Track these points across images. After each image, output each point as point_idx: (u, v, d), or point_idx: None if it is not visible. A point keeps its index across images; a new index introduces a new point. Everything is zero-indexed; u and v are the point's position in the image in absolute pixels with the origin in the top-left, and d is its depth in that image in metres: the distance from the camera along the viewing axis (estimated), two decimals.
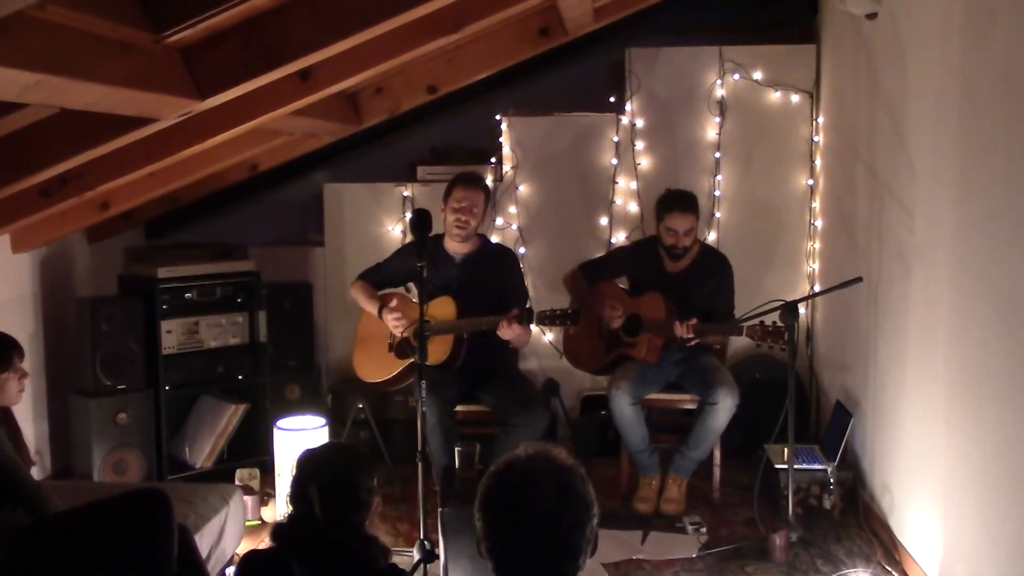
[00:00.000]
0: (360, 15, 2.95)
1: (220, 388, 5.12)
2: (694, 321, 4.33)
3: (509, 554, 1.81)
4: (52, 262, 4.92)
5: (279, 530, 2.35)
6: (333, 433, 5.05)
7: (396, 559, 3.95)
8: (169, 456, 4.94)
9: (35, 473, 4.55)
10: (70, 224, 4.58)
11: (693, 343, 4.41)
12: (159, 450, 4.83)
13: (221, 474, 4.75)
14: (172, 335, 4.86)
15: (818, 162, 5.44)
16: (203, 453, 4.99)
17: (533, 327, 5.42)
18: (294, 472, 2.38)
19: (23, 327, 4.62)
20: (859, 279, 4.11)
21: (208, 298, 4.99)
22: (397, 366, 4.43)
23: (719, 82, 5.47)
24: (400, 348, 4.47)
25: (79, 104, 2.60)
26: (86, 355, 4.63)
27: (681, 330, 4.32)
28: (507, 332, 4.19)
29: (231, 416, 5.02)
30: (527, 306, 4.31)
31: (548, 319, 4.19)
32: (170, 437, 4.99)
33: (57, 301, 4.90)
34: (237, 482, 4.49)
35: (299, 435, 4.36)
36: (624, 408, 4.45)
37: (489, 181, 5.54)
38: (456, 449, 3.80)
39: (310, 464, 2.36)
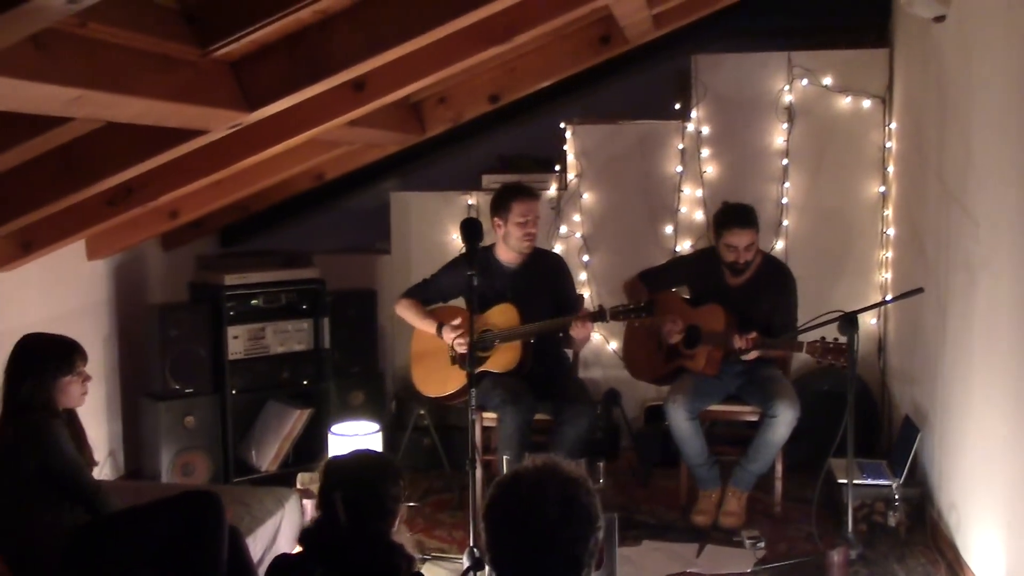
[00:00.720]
0: (402, 27, 2.98)
1: (285, 393, 5.22)
2: (753, 334, 4.25)
3: (512, 564, 1.80)
4: (126, 269, 5.09)
5: (306, 535, 2.38)
6: (393, 439, 5.11)
7: (449, 566, 4.01)
8: (236, 459, 5.05)
9: (108, 473, 4.74)
10: (142, 232, 4.73)
11: (752, 357, 4.33)
12: (226, 453, 4.95)
13: (286, 478, 4.82)
14: (238, 341, 4.97)
15: (891, 169, 5.30)
16: (269, 457, 5.09)
17: (597, 335, 5.50)
18: (320, 479, 2.42)
19: (97, 332, 4.79)
20: (920, 289, 3.98)
21: (274, 304, 5.10)
22: (461, 379, 4.42)
23: (787, 88, 5.37)
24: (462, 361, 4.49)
25: (123, 117, 2.69)
26: (156, 360, 4.78)
27: (740, 342, 4.25)
28: (580, 330, 4.21)
29: (296, 421, 5.11)
30: (593, 307, 4.31)
31: (622, 313, 4.18)
32: (237, 440, 5.11)
33: (130, 307, 5.07)
34: (299, 485, 4.57)
35: (353, 440, 4.42)
36: (680, 422, 4.39)
37: (553, 189, 5.55)
38: (504, 458, 3.80)
39: (335, 471, 2.39)
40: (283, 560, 2.45)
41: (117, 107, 2.55)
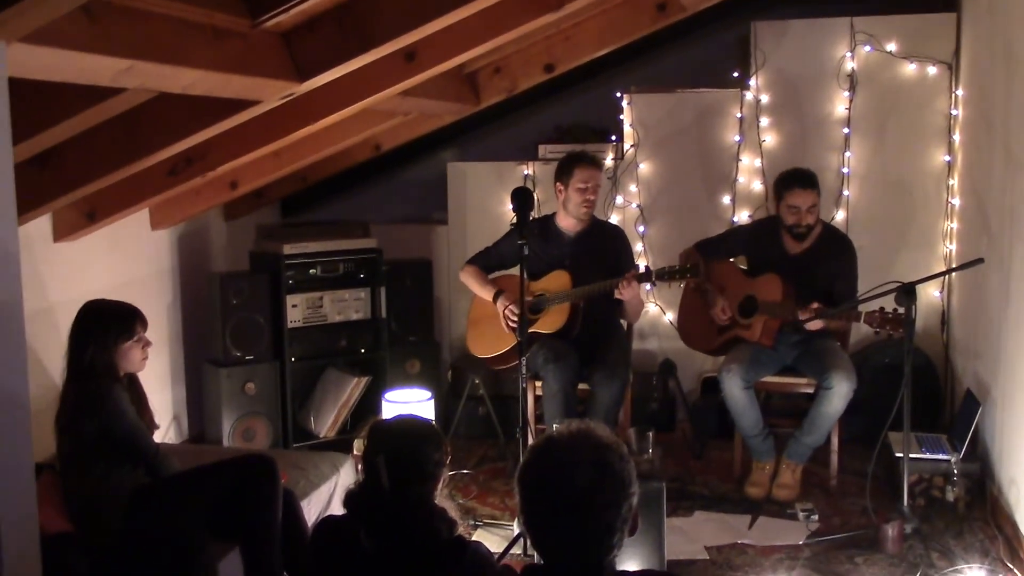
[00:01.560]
0: None
1: (343, 361, 5.29)
2: (816, 305, 4.19)
3: (544, 529, 1.82)
4: (189, 238, 5.19)
5: (350, 498, 2.42)
6: (448, 408, 5.16)
7: (500, 532, 4.06)
8: (295, 425, 5.15)
9: (172, 437, 4.87)
10: (203, 202, 4.82)
11: (816, 327, 4.26)
12: (285, 419, 5.05)
13: (343, 444, 4.92)
14: (297, 309, 5.05)
15: (956, 137, 5.15)
16: (327, 423, 5.17)
17: (653, 306, 5.47)
18: (365, 442, 2.45)
19: (161, 299, 4.91)
20: (980, 260, 3.88)
21: (331, 274, 5.16)
22: (510, 340, 4.46)
23: (850, 54, 5.24)
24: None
25: (175, 88, 2.74)
26: (217, 327, 4.87)
27: (805, 314, 4.20)
28: (626, 292, 4.20)
29: (353, 388, 5.18)
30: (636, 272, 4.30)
31: (668, 274, 4.18)
32: (296, 407, 5.20)
33: (194, 275, 5.18)
34: (355, 451, 4.65)
35: (406, 407, 4.47)
36: (735, 391, 4.36)
37: (610, 159, 5.51)
38: (554, 425, 3.80)
39: (378, 435, 2.42)
40: (329, 522, 2.50)
41: (167, 78, 2.59)
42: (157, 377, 4.77)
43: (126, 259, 4.65)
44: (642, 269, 4.49)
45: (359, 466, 4.40)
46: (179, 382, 5.10)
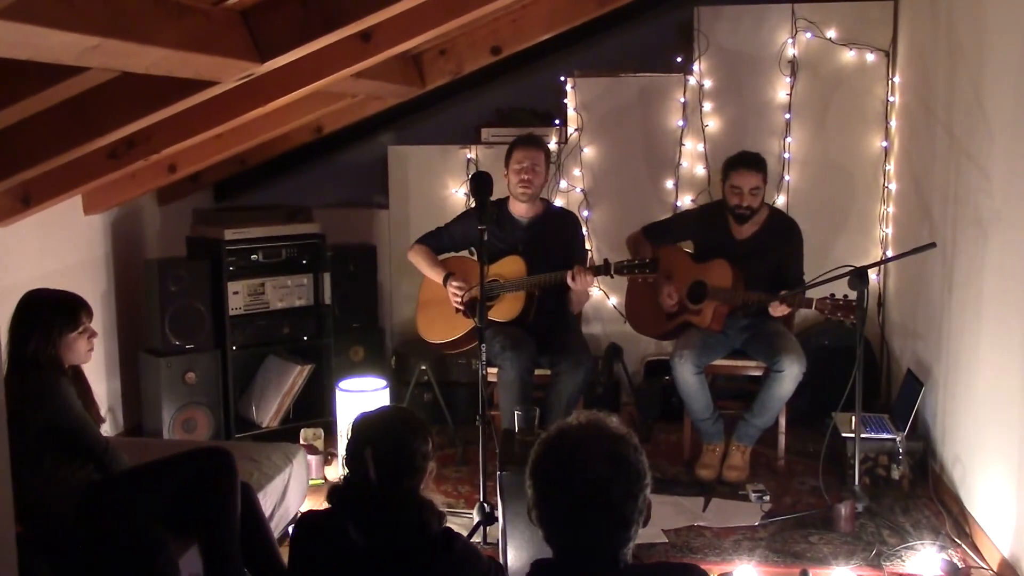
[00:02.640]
0: None
1: (286, 349, 5.19)
2: (783, 292, 4.24)
3: (559, 523, 1.79)
4: (123, 223, 5.01)
5: (335, 492, 2.36)
6: (395, 395, 5.09)
7: (456, 520, 4.02)
8: (236, 415, 5.03)
9: (107, 430, 4.69)
10: (139, 186, 4.65)
11: (783, 313, 4.31)
12: (226, 409, 4.92)
13: (286, 433, 4.83)
14: (238, 296, 4.92)
15: (893, 123, 5.27)
16: (269, 412, 5.06)
17: (597, 291, 5.49)
18: (349, 435, 2.39)
19: (95, 287, 4.73)
20: (932, 244, 3.98)
21: (273, 260, 5.04)
22: (465, 326, 4.42)
23: (791, 41, 5.31)
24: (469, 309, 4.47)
25: (139, 67, 2.62)
26: (155, 315, 4.72)
27: (780, 310, 4.24)
28: (579, 282, 4.18)
29: (296, 376, 5.08)
30: (594, 263, 4.30)
31: (627, 268, 4.17)
32: (237, 396, 5.08)
33: (128, 262, 5.00)
34: (301, 441, 4.56)
35: (360, 396, 4.40)
36: (687, 376, 4.40)
37: (553, 143, 5.49)
38: (515, 412, 3.78)
39: (365, 428, 2.37)
40: (312, 517, 2.43)
41: (132, 56, 2.47)
42: (90, 368, 4.55)
43: (58, 246, 4.46)
44: (596, 260, 4.49)
45: (317, 458, 4.33)
46: (114, 373, 4.92)
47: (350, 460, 2.34)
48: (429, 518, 2.29)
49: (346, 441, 2.40)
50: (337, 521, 2.30)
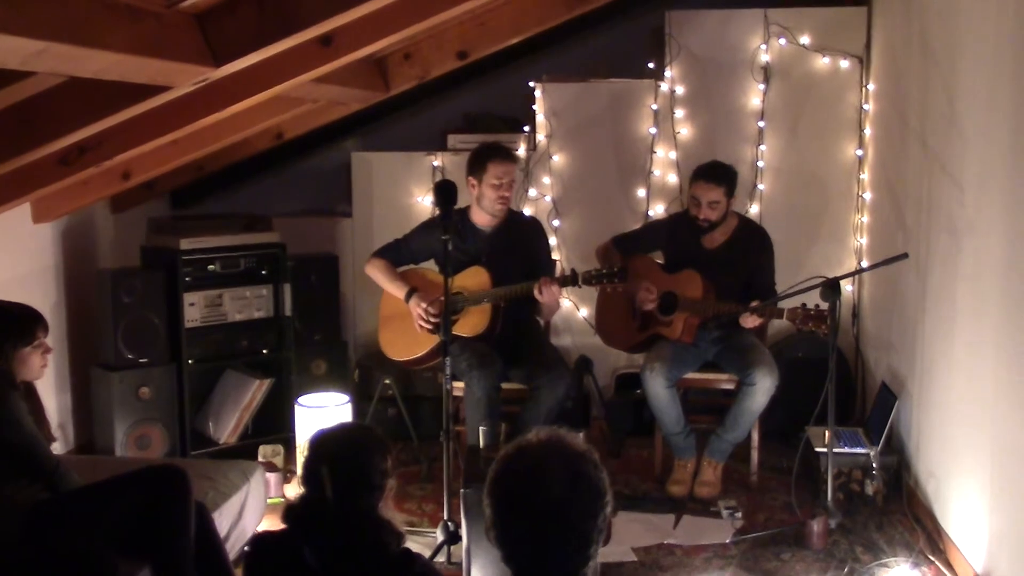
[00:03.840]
0: None
1: (244, 362, 5.16)
2: (755, 303, 4.28)
3: (517, 543, 1.80)
4: (75, 232, 4.97)
5: (290, 512, 2.36)
6: (359, 410, 5.08)
7: (420, 540, 4.02)
8: (193, 431, 4.99)
9: (58, 447, 4.64)
10: (92, 193, 4.62)
11: (755, 325, 4.35)
12: (182, 425, 4.89)
13: (245, 450, 4.80)
14: (195, 308, 4.89)
15: (868, 131, 5.34)
16: (227, 429, 5.04)
17: (567, 302, 5.51)
18: (306, 452, 2.39)
19: (45, 299, 4.69)
20: (905, 255, 4.04)
21: (232, 270, 5.02)
22: (430, 341, 4.41)
23: (764, 47, 5.37)
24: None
25: (87, 72, 2.61)
26: (108, 328, 4.69)
27: (751, 321, 4.28)
28: (548, 295, 4.19)
29: (255, 391, 5.06)
30: (566, 271, 4.31)
31: (595, 278, 4.18)
32: (194, 412, 5.05)
33: (80, 272, 4.96)
34: (260, 459, 4.55)
35: (321, 412, 4.39)
36: (658, 390, 4.42)
37: (522, 150, 5.52)
38: (480, 428, 3.80)
39: (321, 445, 2.37)
40: (265, 538, 2.43)
41: (81, 61, 2.47)
42: (40, 383, 4.53)
43: (5, 255, 4.42)
44: (565, 270, 4.50)
45: (276, 476, 4.32)
46: (64, 388, 4.88)
47: (306, 478, 2.34)
48: (388, 538, 2.30)
49: (303, 458, 2.39)
50: (292, 542, 2.30)
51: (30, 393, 3.29)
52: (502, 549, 1.82)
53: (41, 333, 3.22)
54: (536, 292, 4.21)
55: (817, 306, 4.09)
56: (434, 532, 3.98)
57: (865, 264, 5.32)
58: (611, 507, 1.83)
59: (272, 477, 4.40)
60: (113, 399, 4.67)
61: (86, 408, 4.89)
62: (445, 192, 3.78)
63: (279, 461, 4.59)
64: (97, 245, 5.24)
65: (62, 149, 3.59)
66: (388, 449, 2.40)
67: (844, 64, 5.34)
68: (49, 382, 4.69)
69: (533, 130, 5.59)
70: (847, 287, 5.43)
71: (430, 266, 4.61)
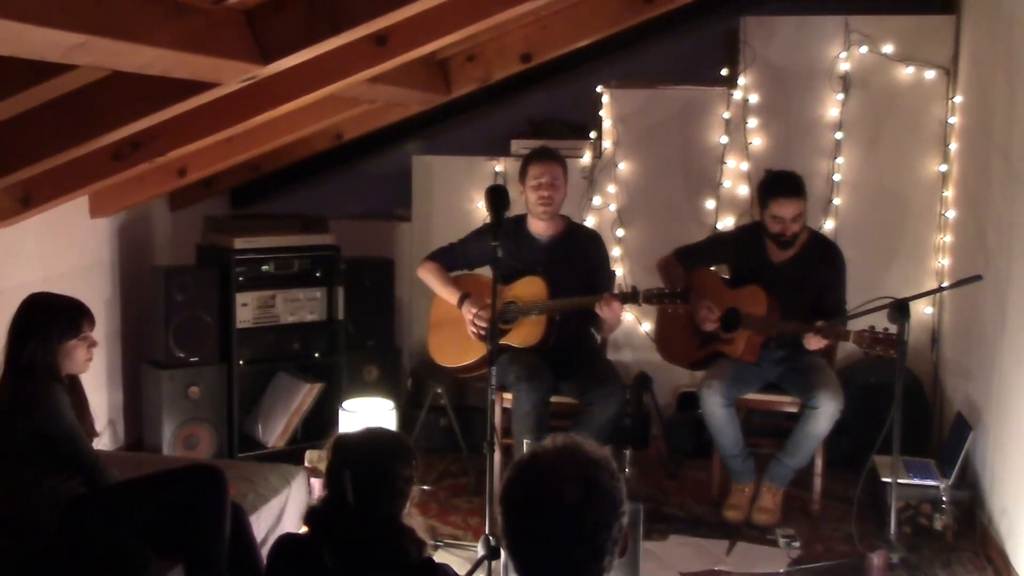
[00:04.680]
0: None
1: (295, 366, 5.26)
2: (820, 323, 4.22)
3: (529, 552, 1.80)
4: (131, 228, 5.13)
5: (312, 514, 2.41)
6: (408, 418, 5.14)
7: (461, 554, 4.05)
8: (241, 433, 5.11)
9: (107, 444, 4.81)
10: (148, 189, 4.77)
11: (818, 347, 4.29)
12: (231, 426, 5.00)
13: (293, 454, 4.88)
14: (247, 308, 5.01)
15: (953, 146, 5.24)
16: (276, 432, 5.14)
17: (629, 316, 5.50)
18: (328, 456, 2.44)
19: (99, 293, 4.85)
20: (978, 277, 3.95)
21: (285, 271, 5.12)
22: (480, 350, 4.45)
23: (843, 55, 5.31)
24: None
25: (130, 67, 2.70)
26: (160, 326, 4.82)
27: (814, 343, 4.22)
28: (608, 311, 4.20)
29: (306, 395, 5.15)
30: (626, 287, 4.31)
31: (656, 297, 4.18)
32: (243, 414, 5.16)
33: (135, 268, 5.12)
34: (306, 463, 4.62)
35: (364, 417, 4.45)
36: (715, 409, 4.39)
37: (587, 157, 5.53)
38: (525, 442, 3.81)
39: (344, 449, 2.41)
40: (288, 541, 2.48)
41: (123, 55, 2.56)
42: (91, 379, 4.67)
43: (62, 249, 4.58)
44: (619, 278, 4.50)
45: (311, 480, 4.38)
46: (115, 385, 5.04)
47: (329, 482, 2.39)
48: (409, 546, 2.33)
49: (325, 462, 2.45)
50: (314, 545, 2.34)
51: (74, 387, 3.40)
52: (513, 558, 1.83)
53: (87, 326, 3.32)
54: (597, 308, 4.21)
55: (886, 329, 4.01)
56: (475, 546, 4.00)
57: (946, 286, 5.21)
58: (627, 517, 1.83)
59: (316, 482, 4.46)
60: (162, 397, 4.79)
61: (137, 405, 5.04)
62: (496, 196, 3.81)
63: (324, 466, 4.65)
64: (154, 242, 5.40)
65: (115, 143, 3.71)
66: (412, 455, 2.44)
67: (929, 75, 5.25)
68: (101, 378, 4.85)
69: (599, 137, 5.61)
70: (925, 309, 5.32)
71: (485, 272, 4.65)
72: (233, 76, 3.14)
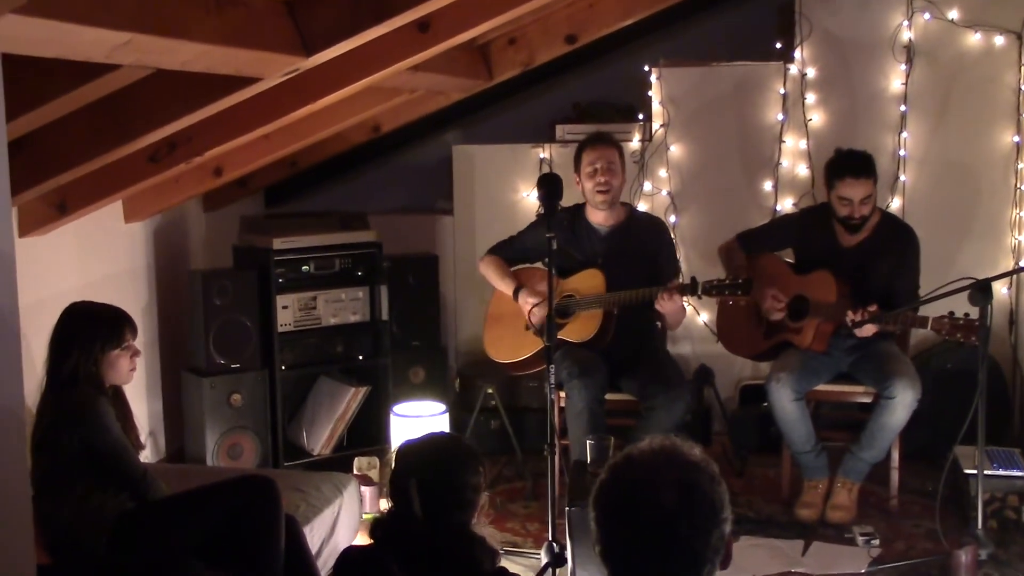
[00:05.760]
0: None
1: (339, 369, 5.29)
2: (873, 307, 4.18)
3: (623, 559, 1.80)
4: (167, 232, 5.17)
5: (378, 526, 2.42)
6: (458, 421, 5.15)
7: (523, 562, 4.05)
8: (286, 441, 5.13)
9: (148, 455, 4.85)
10: (183, 191, 4.80)
11: (868, 332, 4.25)
12: (275, 434, 5.02)
13: (340, 462, 4.90)
14: (288, 311, 5.02)
15: None
16: (321, 439, 5.16)
17: (687, 307, 5.47)
18: (393, 465, 2.44)
19: (136, 300, 4.89)
20: None
21: (326, 271, 5.14)
22: (536, 345, 4.45)
23: (907, 23, 5.24)
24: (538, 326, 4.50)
25: (174, 64, 2.72)
26: (199, 331, 4.85)
27: (855, 315, 4.19)
28: (667, 304, 4.19)
29: (351, 400, 5.17)
30: (684, 278, 4.30)
31: (716, 289, 4.14)
32: (287, 421, 5.19)
33: (172, 273, 5.16)
34: (355, 471, 4.64)
35: (418, 422, 4.46)
36: (785, 403, 4.36)
37: (636, 141, 5.51)
38: (588, 442, 3.80)
39: (409, 457, 2.42)
40: (353, 553, 2.49)
41: (166, 53, 2.58)
42: (131, 388, 4.71)
43: (97, 255, 4.63)
44: (684, 276, 4.47)
45: (361, 488, 4.40)
46: (155, 394, 5.08)
47: (394, 492, 2.39)
48: (481, 556, 2.33)
49: (390, 471, 2.45)
50: (381, 558, 2.35)
51: (118, 398, 3.44)
52: (607, 565, 1.82)
53: (130, 335, 3.36)
54: (659, 303, 4.19)
55: (966, 314, 3.96)
56: (538, 553, 4.00)
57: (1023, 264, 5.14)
58: (729, 525, 1.82)
59: (367, 491, 4.48)
60: (204, 406, 4.82)
61: (177, 415, 5.08)
62: (549, 185, 3.80)
63: (375, 474, 4.68)
64: (189, 245, 5.44)
65: (151, 145, 3.74)
66: (480, 462, 2.44)
67: (999, 41, 5.17)
68: (140, 387, 4.89)
69: (649, 119, 5.58)
70: (1002, 290, 5.25)
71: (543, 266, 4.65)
72: (276, 70, 3.15)
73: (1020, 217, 5.24)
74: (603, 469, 1.86)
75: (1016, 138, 5.22)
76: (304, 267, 5.08)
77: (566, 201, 3.98)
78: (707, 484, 1.79)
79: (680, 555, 1.76)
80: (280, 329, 5.01)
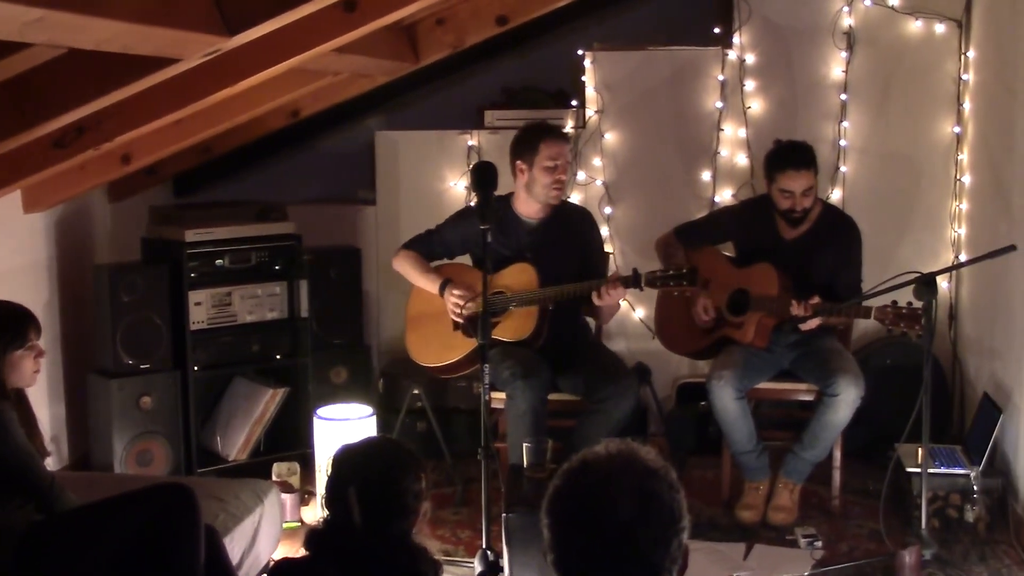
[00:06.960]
0: None
1: (256, 369, 5.23)
2: (815, 299, 4.27)
3: (578, 569, 1.81)
4: (69, 223, 5.06)
5: (314, 537, 2.40)
6: (383, 424, 5.12)
7: (455, 571, 4.05)
8: (199, 446, 5.07)
9: (52, 463, 4.74)
10: (89, 180, 4.71)
11: (812, 326, 4.33)
12: (187, 439, 4.96)
13: (257, 468, 4.87)
14: (201, 308, 4.95)
15: (967, 106, 5.30)
16: (237, 444, 5.10)
17: (622, 302, 5.51)
18: (330, 472, 2.43)
19: (37, 296, 4.77)
20: (1012, 247, 3.99)
21: (242, 265, 5.07)
22: (467, 346, 4.42)
23: (847, 9, 5.35)
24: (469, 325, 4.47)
25: (89, 43, 2.66)
26: (105, 330, 4.76)
27: (799, 309, 4.26)
28: (607, 298, 4.20)
29: (268, 402, 5.12)
30: (621, 270, 4.31)
31: (660, 280, 4.16)
32: (200, 425, 5.12)
33: (75, 267, 5.06)
34: (274, 477, 4.61)
35: (343, 425, 4.44)
36: (727, 402, 4.41)
37: (569, 128, 5.53)
38: (524, 445, 3.82)
39: (347, 463, 2.40)
40: (287, 565, 2.47)
41: (82, 31, 2.51)
42: (32, 391, 4.63)
43: None
44: (621, 268, 4.49)
45: (292, 497, 4.37)
46: (57, 397, 4.97)
47: (331, 500, 2.38)
48: (424, 568, 2.33)
49: (326, 478, 2.43)
50: (317, 570, 2.33)
51: (21, 402, 3.37)
52: (560, 575, 1.83)
53: (33, 335, 3.29)
54: (595, 296, 4.20)
55: (910, 303, 4.05)
56: (471, 562, 4.01)
57: (964, 258, 5.28)
58: (687, 533, 1.84)
59: (288, 498, 4.46)
60: (112, 409, 4.74)
61: (82, 419, 4.98)
62: (483, 174, 3.79)
63: (295, 481, 4.64)
64: (94, 237, 5.33)
65: (58, 130, 3.66)
66: (422, 467, 2.43)
67: (940, 28, 5.30)
68: (41, 390, 4.77)
69: (582, 105, 5.61)
70: (943, 284, 5.39)
71: (465, 260, 4.63)
72: (196, 50, 3.10)
73: (959, 209, 5.37)
74: (557, 473, 1.87)
75: (956, 128, 5.35)
76: (218, 261, 5.01)
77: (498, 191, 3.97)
78: (666, 492, 1.80)
79: (638, 565, 1.77)
80: (192, 327, 4.94)
